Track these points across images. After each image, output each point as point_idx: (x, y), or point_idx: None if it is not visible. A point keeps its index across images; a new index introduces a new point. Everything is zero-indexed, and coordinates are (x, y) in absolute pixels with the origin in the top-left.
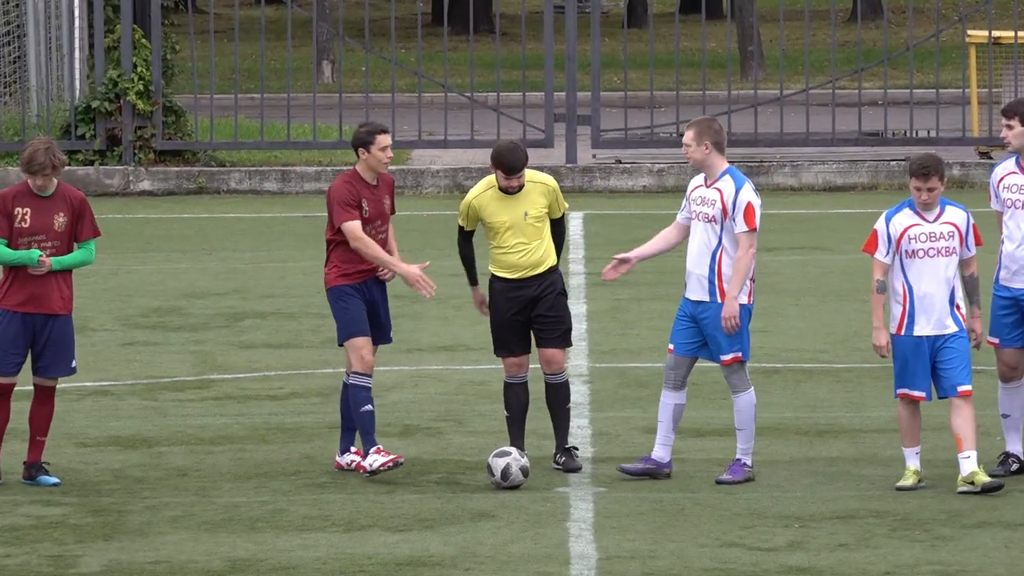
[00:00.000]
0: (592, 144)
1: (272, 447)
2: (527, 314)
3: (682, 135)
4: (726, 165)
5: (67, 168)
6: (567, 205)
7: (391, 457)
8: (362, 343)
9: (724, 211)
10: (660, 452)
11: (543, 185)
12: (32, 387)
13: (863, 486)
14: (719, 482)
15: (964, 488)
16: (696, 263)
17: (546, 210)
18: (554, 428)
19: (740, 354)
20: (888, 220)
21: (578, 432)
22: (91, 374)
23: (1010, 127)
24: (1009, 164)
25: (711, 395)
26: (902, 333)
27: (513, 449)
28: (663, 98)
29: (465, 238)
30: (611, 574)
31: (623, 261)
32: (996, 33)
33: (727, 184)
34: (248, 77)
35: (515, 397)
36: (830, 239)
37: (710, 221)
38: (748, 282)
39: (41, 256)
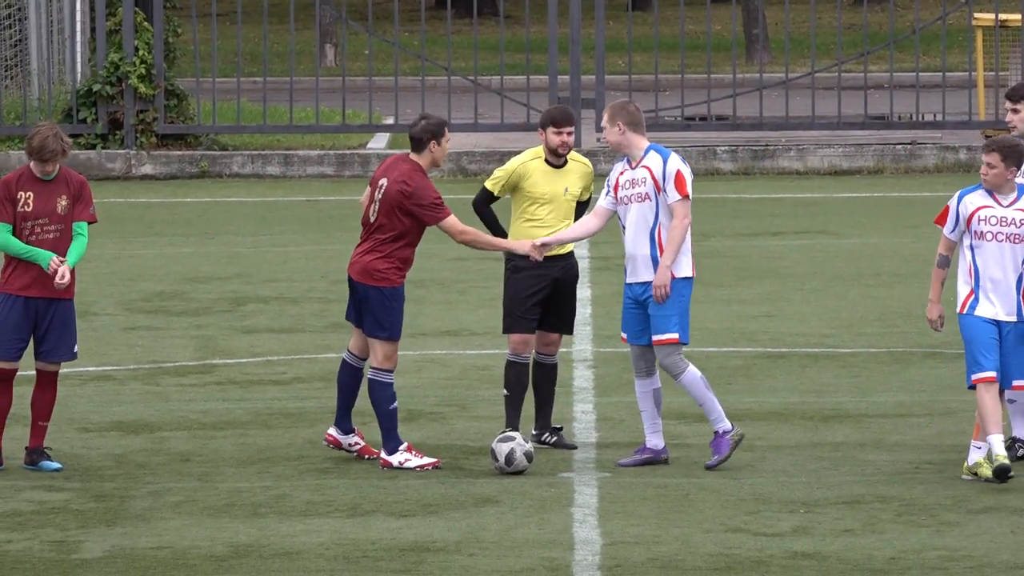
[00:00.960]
0: (596, 128)
1: (275, 432)
2: (546, 293)
3: (688, 119)
4: (647, 143)
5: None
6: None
7: (430, 461)
8: (396, 348)
9: (656, 186)
10: (653, 440)
11: (584, 166)
12: (34, 372)
13: (868, 471)
14: (709, 467)
15: (968, 476)
16: (636, 244)
17: (581, 190)
18: (540, 407)
19: (677, 335)
20: (960, 198)
21: (582, 417)
22: (93, 359)
23: (1016, 111)
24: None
25: (715, 380)
26: (964, 311)
27: (517, 434)
28: (668, 82)
29: (485, 200)
30: (615, 559)
31: (543, 245)
32: (1002, 16)
33: (653, 159)
34: (251, 60)
35: (518, 376)
36: (835, 223)
37: (643, 200)
38: (689, 254)
39: (53, 260)
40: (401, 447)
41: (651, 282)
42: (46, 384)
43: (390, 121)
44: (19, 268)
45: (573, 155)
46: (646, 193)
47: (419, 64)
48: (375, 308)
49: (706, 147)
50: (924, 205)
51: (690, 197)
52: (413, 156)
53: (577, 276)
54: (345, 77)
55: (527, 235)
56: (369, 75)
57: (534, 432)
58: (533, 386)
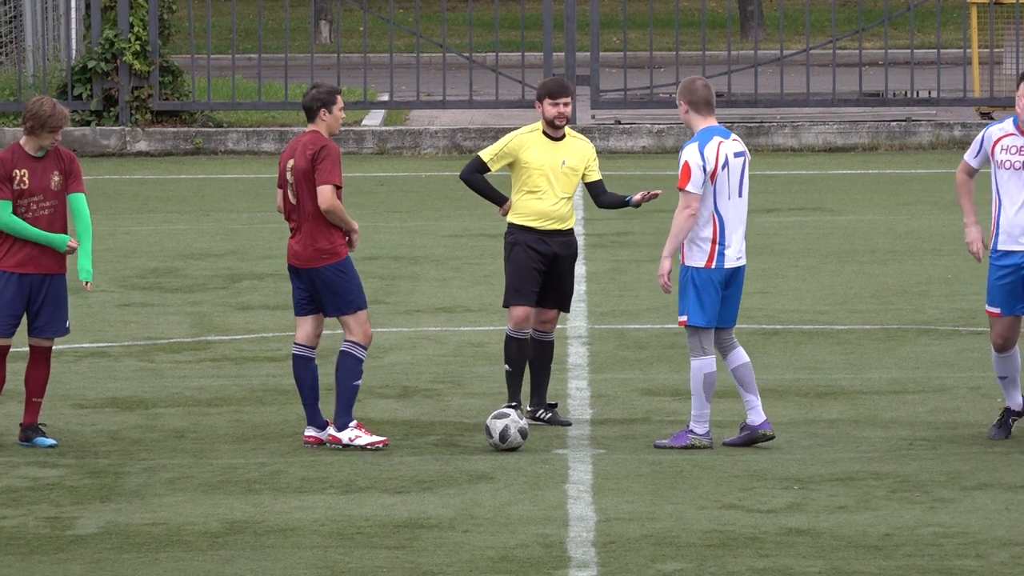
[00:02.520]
0: (591, 105)
1: (270, 409)
2: (546, 268)
3: None
4: (703, 126)
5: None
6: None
7: (380, 439)
8: (367, 315)
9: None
10: (751, 417)
11: (583, 143)
12: (26, 348)
13: (863, 448)
14: (656, 445)
15: None
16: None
17: (581, 168)
18: (536, 384)
19: (684, 318)
20: (986, 128)
21: (577, 394)
22: (88, 335)
23: None
24: (1007, 125)
25: None
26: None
27: (511, 411)
28: (662, 58)
29: (476, 169)
30: (610, 536)
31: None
32: None
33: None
34: (245, 37)
35: (518, 351)
36: (830, 200)
37: None
38: (707, 244)
39: (70, 243)
40: (351, 423)
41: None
42: (40, 360)
43: (385, 98)
44: (14, 245)
45: (573, 133)
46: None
47: (414, 41)
48: (334, 287)
49: None
50: (919, 182)
51: (687, 190)
52: (310, 127)
53: (576, 254)
54: (340, 54)
55: (529, 207)
56: (364, 52)
57: (529, 409)
58: (529, 363)
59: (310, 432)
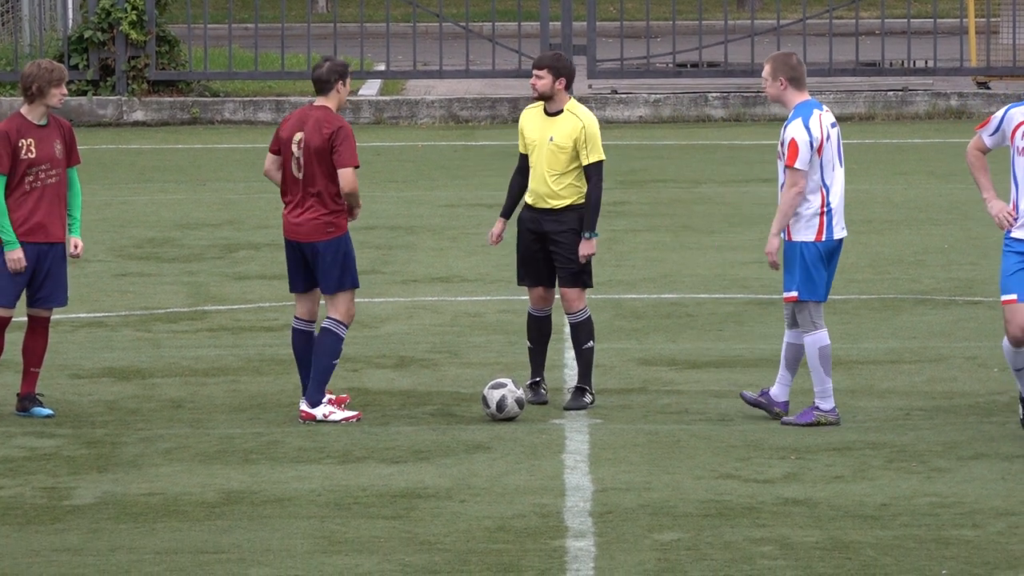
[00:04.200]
0: (588, 74)
1: (266, 379)
2: (544, 248)
3: (679, 65)
4: (799, 100)
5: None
6: (602, 156)
7: (353, 414)
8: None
9: (780, 148)
10: (775, 390)
11: (576, 120)
12: (22, 319)
13: (859, 418)
14: (784, 422)
15: None
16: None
17: (569, 146)
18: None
19: (796, 293)
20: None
21: (573, 364)
22: (84, 305)
23: None
24: None
25: (706, 327)
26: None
27: (508, 380)
28: (659, 28)
29: (520, 162)
30: (607, 506)
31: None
32: None
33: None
34: (242, 7)
35: (533, 328)
36: None
37: (779, 158)
38: (816, 218)
39: (75, 246)
40: (324, 399)
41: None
42: (39, 330)
43: (381, 67)
44: (19, 214)
45: (575, 107)
46: (780, 153)
47: (410, 10)
48: (334, 261)
49: (697, 94)
50: (915, 151)
51: (796, 167)
52: (320, 101)
53: (571, 230)
54: (336, 23)
55: (528, 185)
56: (360, 21)
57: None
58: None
59: (304, 407)
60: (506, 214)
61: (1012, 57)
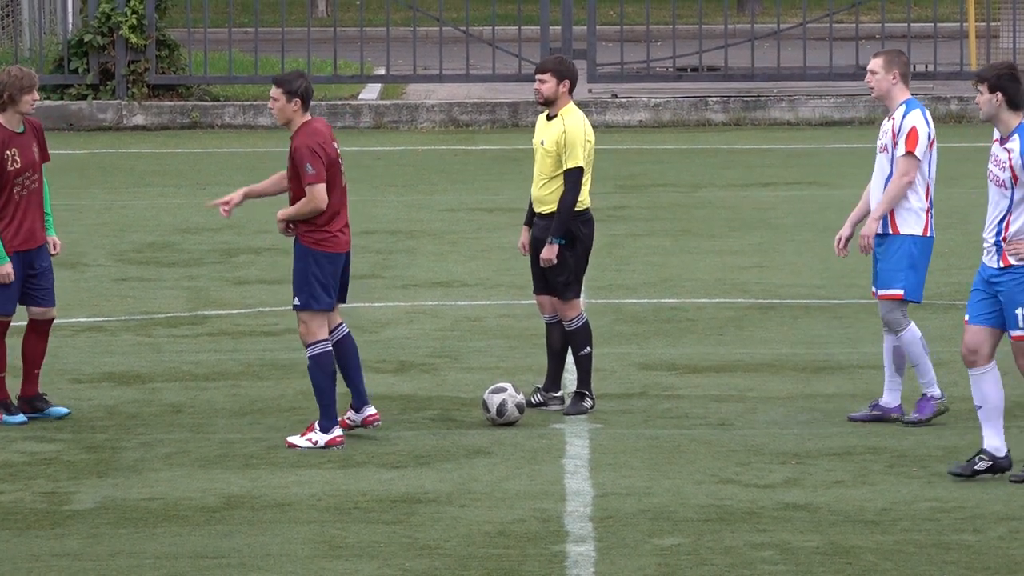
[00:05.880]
0: (588, 79)
1: (267, 383)
2: (537, 254)
3: (679, 69)
4: (905, 97)
5: (60, 103)
6: (579, 163)
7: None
8: None
9: (894, 139)
10: (886, 397)
11: (562, 125)
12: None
13: (860, 423)
14: (907, 422)
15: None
16: (874, 194)
17: (554, 151)
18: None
19: (901, 291)
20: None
21: (573, 368)
22: (85, 310)
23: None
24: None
25: (706, 331)
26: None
27: (508, 385)
28: (659, 32)
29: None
30: (607, 511)
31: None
32: None
33: (900, 112)
34: (242, 11)
35: (547, 335)
36: (827, 174)
37: (883, 151)
38: (923, 212)
39: (53, 246)
40: (335, 425)
41: (879, 234)
42: (44, 332)
43: (381, 72)
44: (11, 225)
45: (569, 114)
46: (885, 144)
47: (411, 15)
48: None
49: (697, 98)
50: None
51: (915, 155)
52: (312, 116)
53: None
54: (337, 27)
55: None
56: (360, 26)
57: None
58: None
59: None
60: (529, 220)
61: (1012, 61)
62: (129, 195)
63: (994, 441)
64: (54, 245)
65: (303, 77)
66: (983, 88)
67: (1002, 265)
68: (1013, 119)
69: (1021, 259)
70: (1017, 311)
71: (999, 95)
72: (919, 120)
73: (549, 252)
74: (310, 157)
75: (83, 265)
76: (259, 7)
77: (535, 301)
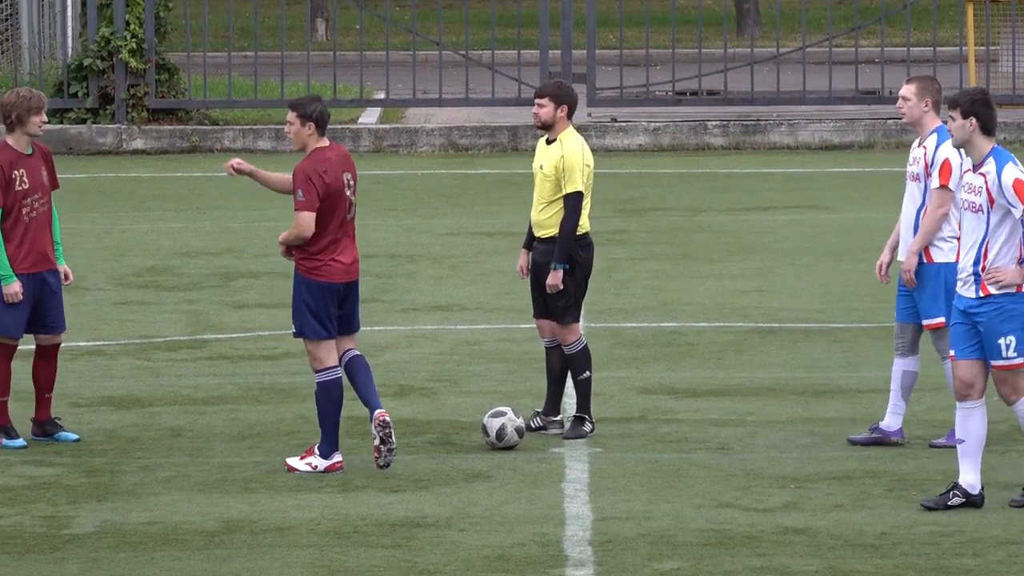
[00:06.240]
0: (588, 103)
1: (266, 407)
2: (537, 278)
3: (679, 93)
4: (937, 123)
5: (60, 127)
6: (578, 188)
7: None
8: None
9: (927, 169)
10: (887, 420)
11: (560, 149)
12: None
13: (859, 447)
14: (934, 445)
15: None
16: (905, 222)
17: (553, 175)
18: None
19: (943, 319)
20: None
21: (572, 392)
22: (84, 334)
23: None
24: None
25: (706, 355)
26: None
27: (508, 409)
28: (659, 56)
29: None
30: (606, 535)
31: None
32: None
33: (932, 141)
34: (242, 35)
35: (547, 359)
36: (827, 198)
37: (915, 179)
38: (955, 240)
39: (65, 276)
40: (335, 452)
41: (903, 263)
42: (52, 356)
43: (381, 96)
44: (22, 247)
45: (568, 138)
46: (917, 173)
47: (410, 39)
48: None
49: (697, 122)
50: None
51: (948, 187)
52: (327, 141)
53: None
54: (336, 51)
55: None
56: (360, 50)
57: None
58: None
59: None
60: (528, 244)
61: (1012, 85)
62: (129, 219)
63: (969, 477)
64: (65, 275)
65: (318, 101)
66: (956, 114)
67: (981, 295)
68: (986, 144)
69: (1001, 288)
70: (1000, 341)
71: (973, 120)
72: (952, 152)
73: (554, 279)
74: (303, 183)
75: (83, 289)
76: (259, 31)
77: (535, 325)
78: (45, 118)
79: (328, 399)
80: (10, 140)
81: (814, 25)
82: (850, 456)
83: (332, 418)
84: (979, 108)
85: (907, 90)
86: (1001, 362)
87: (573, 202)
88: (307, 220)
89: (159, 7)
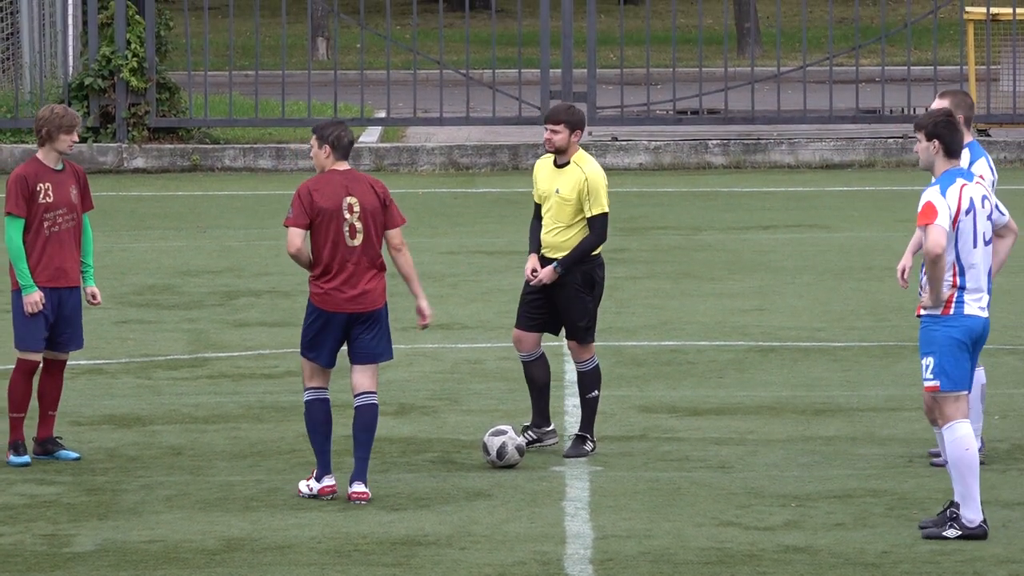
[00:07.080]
0: (588, 121)
1: (267, 426)
2: (547, 296)
3: (679, 112)
4: (969, 139)
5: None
6: (605, 209)
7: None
8: None
9: None
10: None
11: (580, 172)
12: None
13: (860, 465)
14: (933, 464)
15: None
16: None
17: (573, 198)
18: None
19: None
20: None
21: (573, 411)
22: (85, 352)
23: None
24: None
25: (706, 374)
26: None
27: (508, 428)
28: (659, 75)
29: (535, 211)
30: (607, 553)
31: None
32: (994, 10)
33: (966, 157)
34: (242, 54)
35: (527, 373)
36: (827, 217)
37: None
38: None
39: (93, 296)
40: (327, 475)
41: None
42: (56, 373)
43: (382, 115)
44: (43, 261)
45: (582, 159)
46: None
47: (411, 58)
48: (386, 326)
49: (697, 141)
50: (916, 199)
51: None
52: (349, 164)
53: (578, 284)
54: (337, 70)
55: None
56: (361, 69)
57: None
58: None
59: (361, 487)
60: (532, 249)
61: (1012, 104)
62: (129, 238)
63: (969, 513)
64: (92, 295)
65: (338, 126)
66: (920, 136)
67: (917, 314)
68: (944, 167)
69: (926, 310)
70: (923, 361)
71: (936, 143)
72: (984, 168)
73: (548, 275)
74: (294, 200)
75: (83, 307)
76: (260, 50)
77: (513, 336)
78: (76, 137)
79: (310, 421)
80: (40, 155)
81: (814, 44)
82: (851, 475)
83: (316, 442)
84: (942, 130)
85: (940, 105)
86: (926, 383)
87: (601, 223)
88: (290, 235)
89: (160, 26)
